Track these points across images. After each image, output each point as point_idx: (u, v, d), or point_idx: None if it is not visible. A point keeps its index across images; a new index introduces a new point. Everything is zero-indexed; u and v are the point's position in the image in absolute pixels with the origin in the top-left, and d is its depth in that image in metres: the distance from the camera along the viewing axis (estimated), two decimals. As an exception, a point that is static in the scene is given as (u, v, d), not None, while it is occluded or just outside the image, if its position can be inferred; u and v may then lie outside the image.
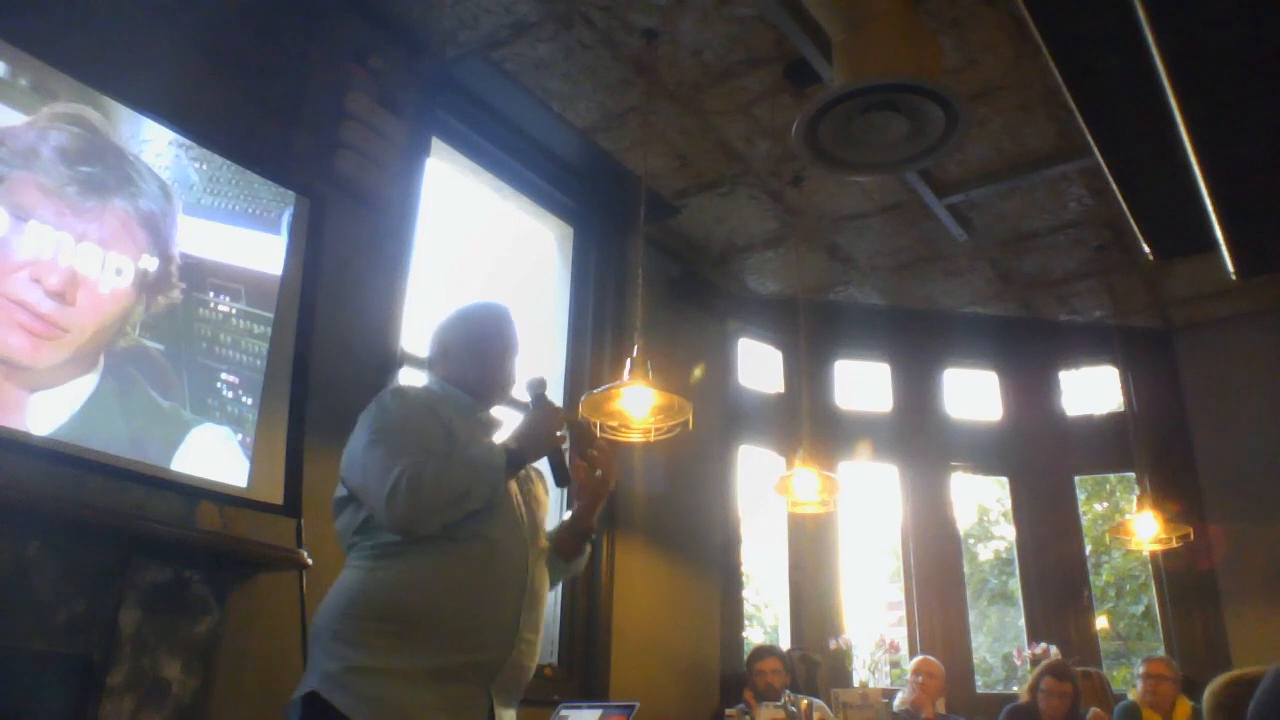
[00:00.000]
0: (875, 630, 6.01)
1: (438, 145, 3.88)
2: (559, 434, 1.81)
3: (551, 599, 4.05)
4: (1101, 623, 8.14)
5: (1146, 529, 4.52)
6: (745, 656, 4.67)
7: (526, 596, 1.77)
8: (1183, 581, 5.26)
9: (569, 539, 1.98)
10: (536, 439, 1.78)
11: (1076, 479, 6.00)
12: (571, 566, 2.03)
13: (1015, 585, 6.05)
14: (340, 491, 1.81)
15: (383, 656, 1.62)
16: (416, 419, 1.78)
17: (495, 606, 1.72)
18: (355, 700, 1.59)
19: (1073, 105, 2.08)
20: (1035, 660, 4.79)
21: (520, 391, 1.93)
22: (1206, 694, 1.75)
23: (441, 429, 1.78)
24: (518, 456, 1.75)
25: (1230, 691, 1.67)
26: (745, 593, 5.87)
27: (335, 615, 1.68)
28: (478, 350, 1.95)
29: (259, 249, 2.80)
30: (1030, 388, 6.00)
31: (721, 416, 5.33)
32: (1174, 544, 4.55)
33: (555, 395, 4.33)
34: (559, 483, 1.84)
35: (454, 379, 1.95)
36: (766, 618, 10.30)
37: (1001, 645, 10.47)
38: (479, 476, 1.68)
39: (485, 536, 1.73)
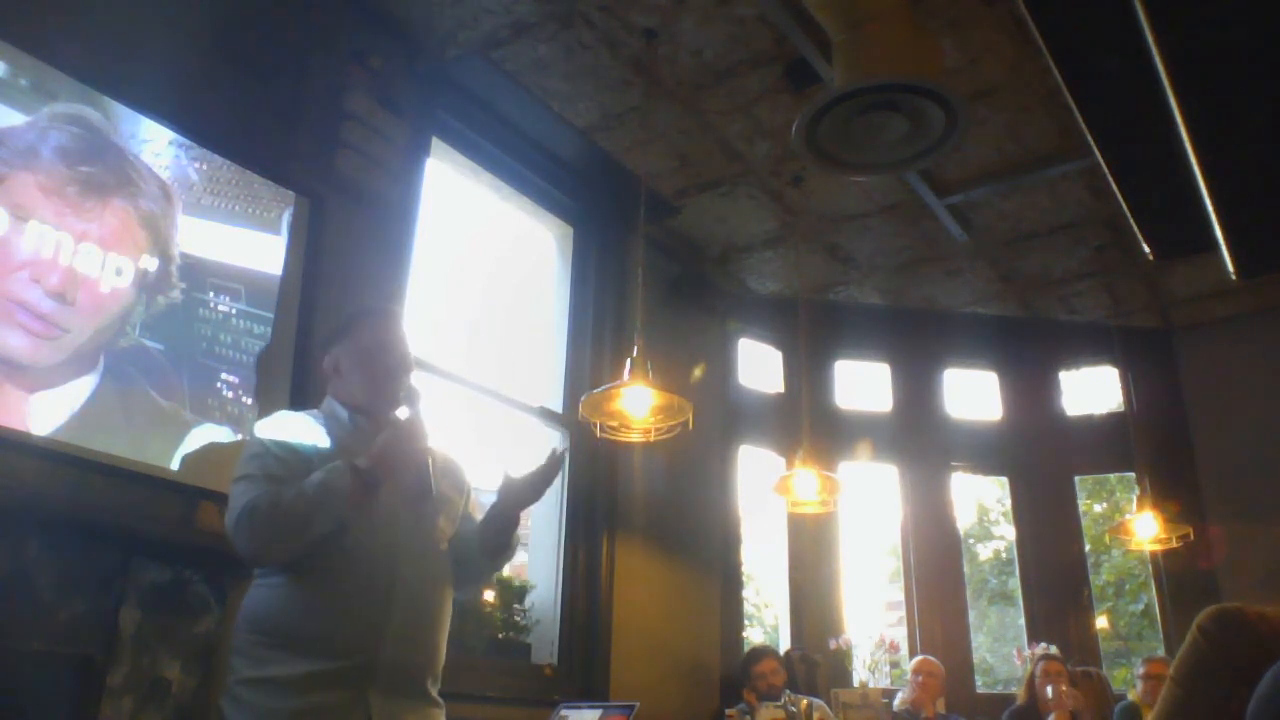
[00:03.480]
0: (875, 630, 6.00)
1: (438, 145, 3.88)
2: (421, 447, 1.83)
3: (551, 597, 4.07)
4: (1101, 622, 8.14)
5: (1146, 529, 4.52)
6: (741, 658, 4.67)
7: (397, 597, 1.80)
8: (1183, 581, 5.26)
9: (487, 533, 2.00)
10: (389, 457, 1.77)
11: (1076, 479, 5.99)
12: (495, 563, 2.05)
13: (1015, 585, 6.05)
14: None
15: (262, 667, 1.72)
16: (272, 457, 1.82)
17: (354, 612, 1.76)
18: (239, 709, 1.71)
19: (1073, 105, 2.09)
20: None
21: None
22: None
23: (302, 464, 1.80)
24: (370, 475, 1.75)
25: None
26: (745, 593, 5.86)
27: (234, 631, 1.81)
28: (366, 366, 1.96)
29: (259, 249, 2.80)
30: (1030, 388, 6.00)
31: (721, 416, 5.32)
32: (1174, 544, 4.55)
33: (556, 396, 4.35)
34: (419, 497, 1.85)
35: (343, 397, 1.98)
36: (766, 618, 10.29)
37: (1001, 645, 10.46)
38: (318, 505, 1.71)
39: (341, 546, 1.76)
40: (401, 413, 1.86)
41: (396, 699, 1.77)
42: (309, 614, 1.74)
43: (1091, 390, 6.65)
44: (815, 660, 5.04)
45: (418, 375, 3.67)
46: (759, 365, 5.84)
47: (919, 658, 4.77)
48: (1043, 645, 4.86)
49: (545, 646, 3.99)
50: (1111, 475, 9.55)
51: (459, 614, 2.19)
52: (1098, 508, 11.13)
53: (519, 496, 1.98)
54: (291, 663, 1.70)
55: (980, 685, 6.22)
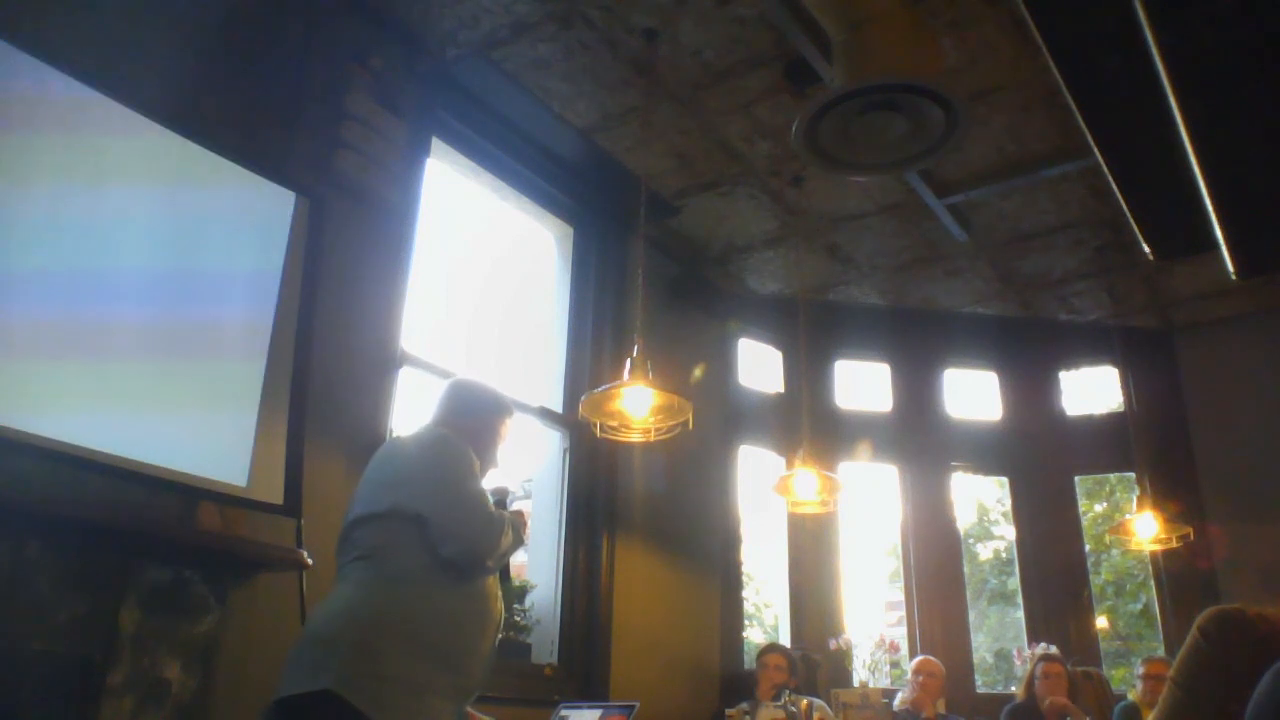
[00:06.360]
0: (875, 630, 6.01)
1: (438, 145, 3.88)
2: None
3: (551, 597, 4.08)
4: (1101, 622, 8.13)
5: (1146, 529, 4.52)
6: (755, 655, 4.65)
7: (495, 631, 2.11)
8: (1183, 581, 5.26)
9: None
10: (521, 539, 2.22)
11: (1076, 479, 6.00)
12: None
13: (1015, 585, 6.05)
14: (375, 508, 2.03)
15: (402, 667, 1.87)
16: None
17: (485, 638, 2.04)
18: (375, 704, 1.82)
19: (1073, 105, 2.08)
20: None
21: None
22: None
23: None
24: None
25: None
26: (745, 593, 5.86)
27: (360, 626, 1.89)
28: (495, 436, 2.34)
29: (259, 249, 2.80)
30: (1030, 388, 6.00)
31: (721, 416, 5.32)
32: (1174, 544, 4.55)
33: (556, 396, 4.36)
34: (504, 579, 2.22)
35: (471, 443, 2.22)
36: (766, 618, 10.30)
37: (1001, 645, 10.46)
38: (519, 540, 2.14)
39: (485, 576, 2.08)
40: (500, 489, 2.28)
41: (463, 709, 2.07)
42: (459, 631, 1.98)
43: (1091, 390, 6.66)
44: (815, 660, 5.04)
45: (416, 374, 3.67)
46: (759, 365, 5.84)
47: (919, 658, 4.77)
48: (1043, 645, 4.86)
49: (545, 646, 3.99)
50: (1111, 475, 9.55)
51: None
52: (1098, 508, 11.12)
53: None
54: (433, 671, 1.91)
55: (980, 685, 6.22)
